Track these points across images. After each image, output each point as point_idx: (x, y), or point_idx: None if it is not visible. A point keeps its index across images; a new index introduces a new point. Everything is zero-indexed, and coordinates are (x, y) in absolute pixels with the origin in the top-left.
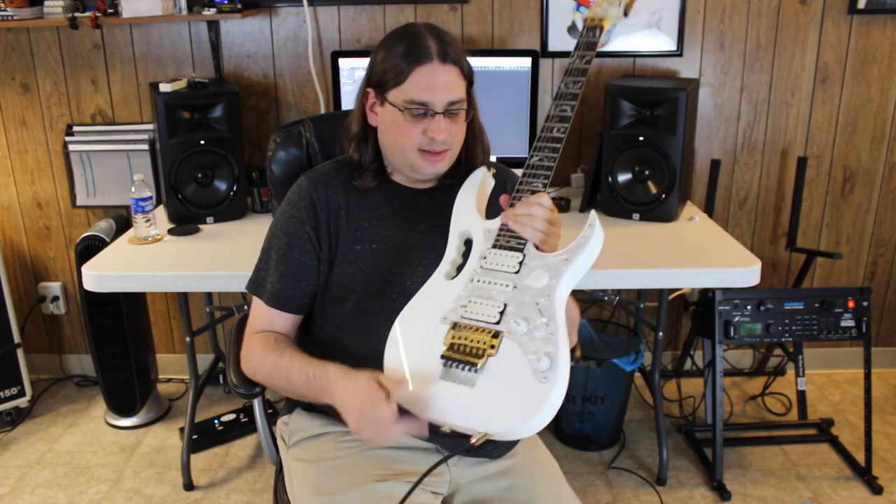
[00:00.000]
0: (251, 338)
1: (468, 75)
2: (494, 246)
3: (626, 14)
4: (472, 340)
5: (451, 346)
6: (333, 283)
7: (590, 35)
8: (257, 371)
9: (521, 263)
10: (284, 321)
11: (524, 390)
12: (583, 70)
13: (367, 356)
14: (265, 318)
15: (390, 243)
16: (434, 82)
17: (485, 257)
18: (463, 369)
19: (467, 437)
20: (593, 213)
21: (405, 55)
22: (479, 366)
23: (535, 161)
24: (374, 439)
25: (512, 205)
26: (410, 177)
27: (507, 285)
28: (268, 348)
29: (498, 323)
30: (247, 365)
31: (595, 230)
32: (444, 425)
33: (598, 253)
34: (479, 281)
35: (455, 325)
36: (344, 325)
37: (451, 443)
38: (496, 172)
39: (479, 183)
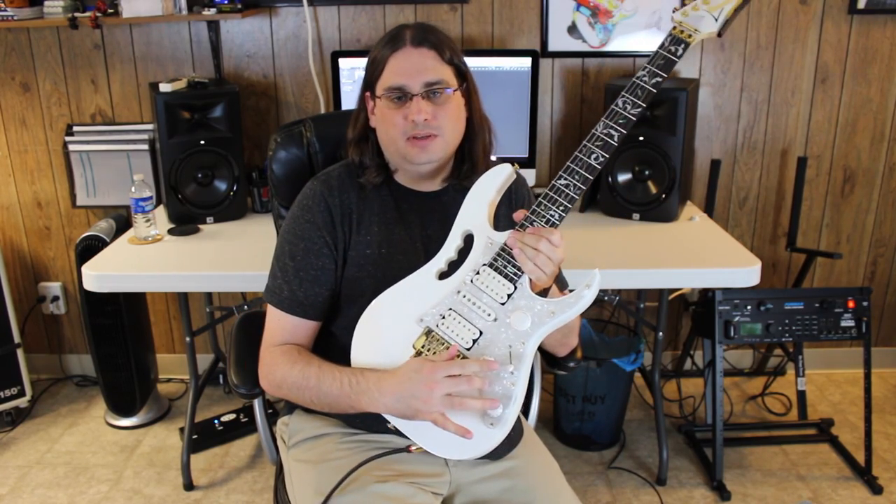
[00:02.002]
0: (272, 350)
1: (452, 62)
2: (491, 265)
3: (720, 34)
4: (438, 358)
5: (418, 354)
6: (343, 286)
7: (672, 49)
8: (283, 382)
9: (509, 296)
10: (305, 329)
11: (469, 427)
12: (648, 92)
13: None
14: (285, 328)
15: (398, 247)
16: (407, 66)
17: (477, 273)
18: None
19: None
20: (597, 273)
21: (382, 47)
22: None
23: (560, 184)
24: (427, 404)
25: (524, 226)
26: (409, 171)
27: (489, 314)
28: (293, 358)
29: (469, 349)
30: (270, 378)
31: (590, 292)
32: (390, 423)
33: (586, 307)
34: (464, 296)
35: (428, 333)
36: (352, 327)
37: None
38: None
39: (500, 183)
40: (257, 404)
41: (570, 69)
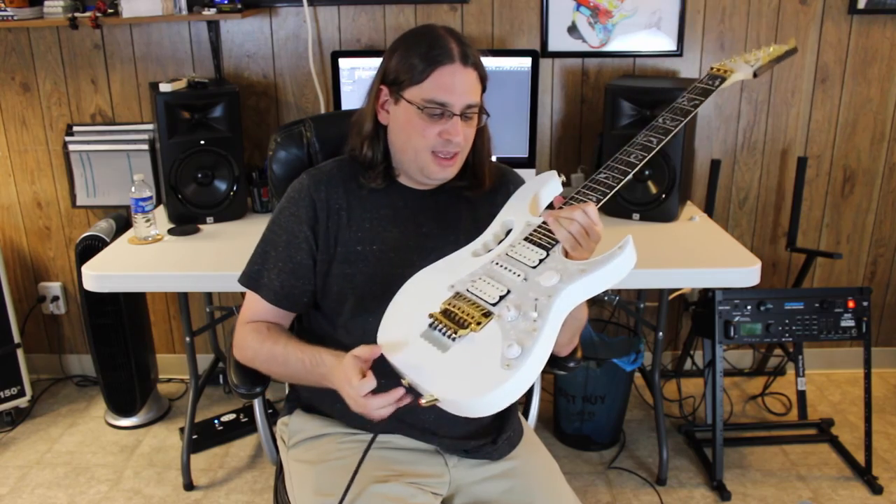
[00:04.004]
0: (243, 326)
1: (484, 80)
2: (526, 239)
3: (755, 75)
4: (463, 312)
5: (443, 311)
6: (333, 283)
7: (710, 82)
8: (254, 358)
9: (541, 261)
10: (279, 316)
11: (485, 370)
12: (686, 111)
13: None
14: (258, 311)
15: (391, 244)
16: (454, 84)
17: (513, 246)
18: (443, 333)
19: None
20: (629, 238)
21: (426, 55)
22: (458, 335)
23: (600, 178)
24: (368, 416)
25: (561, 207)
26: (418, 179)
27: (519, 275)
28: (262, 336)
29: (495, 305)
30: (241, 354)
31: (623, 254)
32: (405, 378)
33: (623, 276)
34: (497, 264)
35: (457, 295)
36: (344, 324)
37: (451, 444)
38: (505, 174)
39: (544, 183)
40: (257, 404)
41: (570, 69)
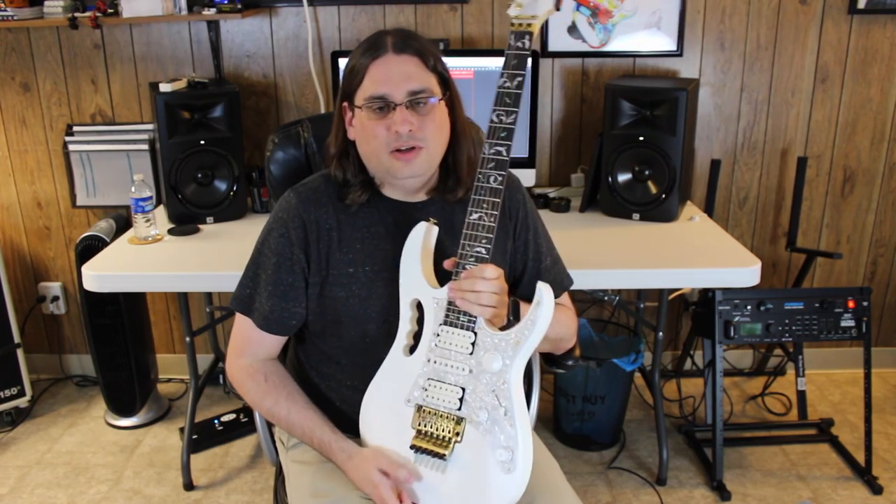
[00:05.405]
0: (239, 368)
1: (436, 69)
2: (446, 323)
3: (558, 7)
4: (437, 427)
5: (418, 433)
6: (327, 305)
7: (518, 45)
8: (252, 404)
9: (473, 344)
10: (272, 343)
11: (492, 481)
12: (515, 96)
13: (364, 378)
14: (251, 338)
15: (383, 264)
16: (389, 73)
17: (438, 335)
18: (432, 456)
19: None
20: (540, 286)
21: (362, 55)
22: (446, 455)
23: (473, 220)
24: None
25: (457, 273)
26: (393, 184)
27: (462, 368)
28: (262, 389)
29: (459, 409)
30: (240, 390)
31: (543, 310)
32: None
33: (549, 322)
34: (435, 362)
35: (420, 409)
36: (340, 346)
37: None
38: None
39: (420, 243)
40: None
41: (570, 69)
